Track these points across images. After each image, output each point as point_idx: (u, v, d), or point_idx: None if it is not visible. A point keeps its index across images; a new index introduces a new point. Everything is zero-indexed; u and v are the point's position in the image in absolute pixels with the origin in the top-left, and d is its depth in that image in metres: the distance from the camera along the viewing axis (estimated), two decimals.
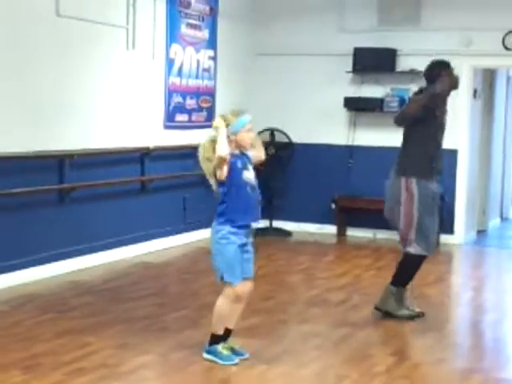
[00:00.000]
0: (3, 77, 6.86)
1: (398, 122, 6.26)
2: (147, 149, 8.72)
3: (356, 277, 8.02)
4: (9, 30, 6.92)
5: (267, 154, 10.49)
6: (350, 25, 10.32)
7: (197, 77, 9.69)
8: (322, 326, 6.19)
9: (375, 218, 10.20)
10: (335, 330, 6.04)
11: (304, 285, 7.64)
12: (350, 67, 10.22)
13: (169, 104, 9.20)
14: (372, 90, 10.19)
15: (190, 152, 9.31)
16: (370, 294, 7.21)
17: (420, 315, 6.36)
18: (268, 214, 10.42)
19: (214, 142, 4.96)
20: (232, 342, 5.31)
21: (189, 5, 9.40)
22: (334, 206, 10.32)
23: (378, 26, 10.23)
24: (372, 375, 5.08)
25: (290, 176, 10.62)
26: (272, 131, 10.51)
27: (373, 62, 10.13)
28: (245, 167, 5.08)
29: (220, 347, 5.21)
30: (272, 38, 10.73)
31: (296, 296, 7.25)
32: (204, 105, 9.84)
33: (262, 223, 10.52)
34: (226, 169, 4.94)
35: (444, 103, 6.26)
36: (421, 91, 6.28)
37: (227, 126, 4.98)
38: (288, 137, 10.49)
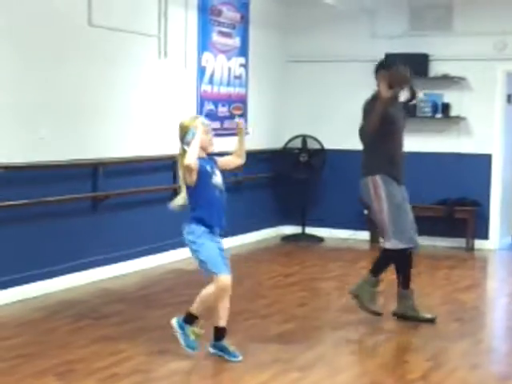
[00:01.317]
0: (37, 86, 6.92)
1: (368, 130, 6.34)
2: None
3: (390, 283, 7.92)
4: (43, 40, 6.98)
5: (299, 161, 10.56)
6: (382, 30, 10.28)
7: (228, 84, 9.70)
8: (356, 333, 6.15)
9: None
10: (370, 337, 6.00)
11: (337, 291, 7.59)
12: None
13: (201, 112, 9.22)
14: (405, 96, 10.09)
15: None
16: None
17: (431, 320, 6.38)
18: (300, 220, 10.41)
19: (186, 151, 5.20)
20: (227, 343, 5.38)
21: (220, 13, 9.43)
22: (366, 212, 10.25)
23: (410, 31, 10.18)
24: (407, 381, 5.03)
25: (323, 182, 10.59)
26: (304, 138, 10.50)
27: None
28: (213, 172, 5.33)
29: (190, 329, 5.36)
30: (303, 44, 10.72)
31: (329, 302, 7.21)
32: (236, 112, 9.85)
33: (295, 229, 10.53)
34: (194, 175, 5.17)
35: (394, 104, 6.27)
36: (374, 97, 6.30)
37: (186, 132, 5.24)
38: (320, 143, 10.46)
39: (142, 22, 8.21)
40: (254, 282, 7.64)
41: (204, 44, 9.19)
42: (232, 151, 5.62)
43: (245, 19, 9.91)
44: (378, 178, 6.30)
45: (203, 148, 5.30)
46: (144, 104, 8.27)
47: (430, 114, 10.04)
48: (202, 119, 5.45)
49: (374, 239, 10.30)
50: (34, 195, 6.84)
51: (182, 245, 8.75)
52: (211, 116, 9.39)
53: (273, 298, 7.15)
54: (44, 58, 7.01)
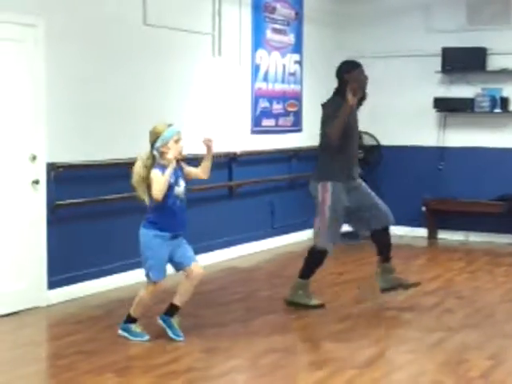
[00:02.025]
0: (92, 85, 6.99)
1: (334, 139, 6.35)
2: (234, 154, 8.75)
3: (448, 280, 7.85)
4: (99, 41, 7.05)
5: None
6: (438, 25, 10.15)
7: (283, 81, 9.68)
8: (414, 331, 6.07)
9: (467, 221, 10.03)
10: (428, 335, 5.91)
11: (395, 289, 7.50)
12: (438, 67, 10.04)
13: (255, 109, 9.21)
14: (462, 90, 9.99)
15: (278, 157, 9.39)
16: (464, 298, 7.07)
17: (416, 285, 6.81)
18: None
19: (146, 167, 5.47)
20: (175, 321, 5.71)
21: (274, 10, 9.41)
22: (424, 208, 10.15)
23: (467, 25, 10.02)
24: (468, 380, 4.95)
25: (379, 179, 10.48)
26: (360, 134, 10.40)
27: (462, 61, 9.93)
28: (176, 183, 5.53)
29: (134, 326, 5.64)
30: (357, 40, 10.63)
31: (387, 300, 7.12)
32: (291, 109, 9.82)
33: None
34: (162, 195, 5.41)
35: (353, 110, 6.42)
36: (334, 100, 6.48)
37: (157, 138, 5.45)
38: (376, 139, 10.37)
39: (196, 21, 8.23)
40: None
41: (258, 41, 9.18)
42: (199, 166, 5.83)
43: (299, 16, 9.87)
44: (329, 185, 6.48)
45: (173, 157, 5.47)
46: (199, 102, 8.30)
47: (488, 109, 9.86)
48: (174, 128, 5.56)
49: (431, 236, 10.19)
50: (92, 194, 6.92)
51: (236, 242, 8.87)
52: (266, 113, 9.39)
53: (329, 296, 7.10)
54: (101, 58, 7.08)
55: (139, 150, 7.39)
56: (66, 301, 6.70)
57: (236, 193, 8.85)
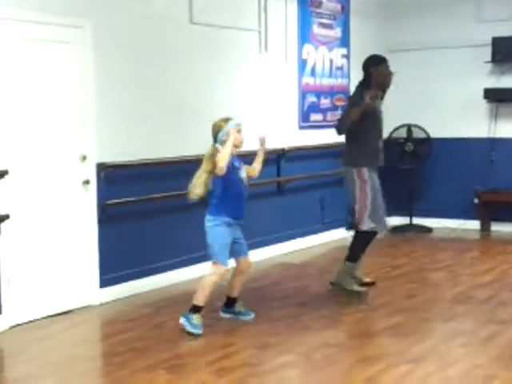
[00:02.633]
0: (140, 84, 7.04)
1: (340, 132, 6.75)
2: (283, 150, 8.74)
3: (502, 273, 7.73)
4: (146, 40, 7.09)
5: (405, 151, 10.41)
6: (488, 14, 9.99)
7: (330, 76, 9.64)
8: (468, 324, 6.00)
9: None
10: (482, 328, 5.83)
11: (448, 282, 7.43)
12: (488, 57, 9.89)
13: (303, 104, 9.19)
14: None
15: (326, 152, 9.34)
16: None
17: (370, 284, 6.99)
18: (408, 210, 10.24)
19: (210, 160, 5.76)
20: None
21: (320, 4, 9.37)
22: (476, 200, 10.01)
23: None
24: None
25: (429, 172, 10.39)
26: (409, 127, 10.32)
27: None
28: (240, 167, 5.90)
29: (195, 317, 5.75)
30: (405, 32, 10.54)
31: (440, 293, 7.06)
32: (339, 103, 9.77)
33: (402, 220, 10.37)
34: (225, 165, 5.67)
35: (374, 102, 6.64)
36: (360, 89, 6.69)
37: (220, 130, 5.78)
38: (426, 132, 10.26)
39: (242, 18, 8.24)
40: (360, 274, 7.56)
41: (304, 36, 9.14)
42: (252, 166, 6.13)
43: (345, 9, 9.81)
44: (364, 170, 6.69)
45: (235, 145, 5.79)
46: (246, 98, 8.30)
47: None
48: (235, 121, 5.87)
49: (484, 228, 10.05)
50: (141, 193, 6.97)
51: (286, 238, 8.86)
52: (313, 108, 9.36)
53: (381, 290, 7.05)
54: (148, 57, 7.12)
55: (187, 148, 7.49)
56: (117, 299, 6.77)
57: (285, 188, 8.84)
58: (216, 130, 5.83)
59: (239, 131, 5.86)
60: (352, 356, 5.33)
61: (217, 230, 5.81)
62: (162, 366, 5.06)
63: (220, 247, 5.82)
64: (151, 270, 7.14)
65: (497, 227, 10.05)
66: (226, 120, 5.86)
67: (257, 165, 6.12)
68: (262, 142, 6.12)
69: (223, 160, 5.65)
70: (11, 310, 5.99)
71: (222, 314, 6.14)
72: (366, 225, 6.75)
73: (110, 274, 6.74)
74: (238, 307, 6.16)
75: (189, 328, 5.73)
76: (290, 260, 8.48)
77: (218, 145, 5.77)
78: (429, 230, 10.17)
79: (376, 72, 6.70)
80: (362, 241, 6.90)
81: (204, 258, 7.66)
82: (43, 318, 6.19)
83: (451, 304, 6.60)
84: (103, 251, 6.67)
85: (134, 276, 6.97)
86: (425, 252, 8.89)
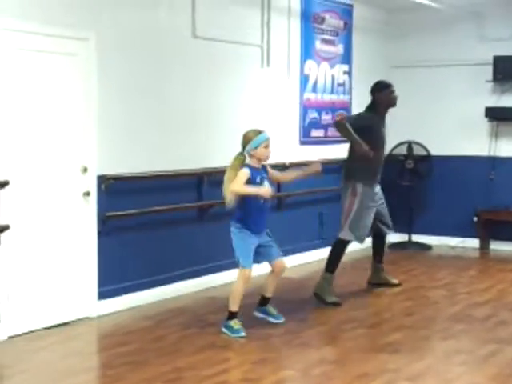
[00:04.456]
0: (142, 97, 7.05)
1: (337, 128, 7.31)
2: (283, 165, 8.73)
3: (501, 291, 7.73)
4: (149, 53, 7.11)
5: (405, 168, 10.41)
6: (489, 33, 10.03)
7: (332, 92, 9.66)
8: (466, 343, 5.99)
9: None
10: (481, 347, 5.82)
11: (446, 300, 7.42)
12: (490, 76, 9.92)
13: (304, 120, 9.20)
14: None
15: (327, 167, 9.31)
16: None
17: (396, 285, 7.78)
18: (407, 227, 10.24)
19: (232, 168, 6.02)
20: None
21: (323, 20, 9.40)
22: (476, 218, 10.02)
23: None
24: None
25: (429, 189, 10.40)
26: (410, 144, 10.33)
27: None
28: (262, 181, 6.08)
29: (233, 322, 6.01)
30: (407, 50, 10.58)
31: (438, 311, 7.05)
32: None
33: (401, 237, 10.37)
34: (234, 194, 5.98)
35: (379, 124, 7.33)
36: (369, 107, 7.42)
37: (249, 141, 6.03)
38: (426, 149, 10.27)
39: (244, 33, 8.26)
40: (360, 291, 7.56)
41: (307, 52, 9.17)
42: (285, 174, 6.84)
43: (348, 26, 9.85)
44: (358, 186, 7.19)
45: (260, 159, 6.10)
46: (248, 113, 8.31)
47: None
48: (265, 135, 6.15)
49: (483, 246, 10.05)
50: (141, 205, 6.97)
51: (285, 253, 8.83)
52: (315, 124, 9.37)
53: (380, 307, 7.05)
54: (150, 70, 7.14)
55: (189, 162, 7.50)
56: (116, 311, 6.75)
57: (285, 204, 8.84)
58: (246, 141, 6.07)
59: (267, 146, 6.11)
60: (350, 373, 5.32)
61: (240, 236, 6.08)
62: (160, 379, 5.05)
63: (242, 253, 6.07)
64: (150, 282, 7.13)
65: (496, 246, 10.05)
66: (258, 133, 6.12)
67: (292, 175, 6.64)
68: (316, 169, 6.48)
69: (235, 190, 5.94)
70: (9, 320, 5.97)
71: (256, 314, 6.42)
72: (344, 234, 7.24)
73: (108, 286, 6.73)
74: (271, 309, 6.43)
75: (231, 335, 5.96)
76: (288, 275, 8.45)
77: (245, 153, 6.04)
78: (428, 247, 10.17)
79: (380, 97, 7.37)
80: (337, 250, 7.30)
81: (204, 271, 7.70)
82: (41, 329, 6.18)
83: (450, 322, 6.59)
84: (102, 263, 6.67)
85: (133, 288, 6.96)
86: (424, 270, 8.88)
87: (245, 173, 5.97)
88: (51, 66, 6.21)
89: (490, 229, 10.04)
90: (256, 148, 6.05)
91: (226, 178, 6.02)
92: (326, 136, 9.54)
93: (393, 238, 10.53)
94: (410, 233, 10.28)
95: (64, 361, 5.52)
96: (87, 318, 6.55)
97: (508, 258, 9.55)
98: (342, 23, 9.74)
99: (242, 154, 6.07)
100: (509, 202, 9.88)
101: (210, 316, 6.66)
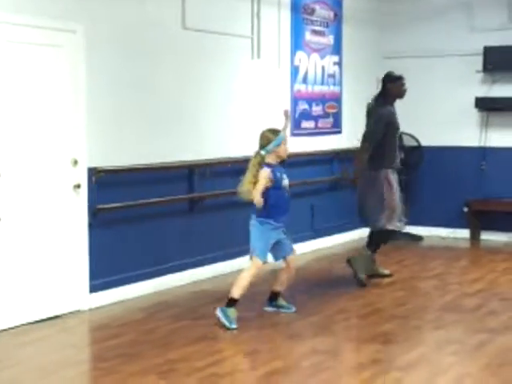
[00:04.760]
0: (132, 89, 7.03)
1: (371, 144, 7.51)
2: None
3: (492, 282, 7.75)
4: (138, 44, 7.09)
5: None
6: (480, 23, 10.04)
7: (322, 83, 9.65)
8: (457, 333, 6.01)
9: (511, 221, 9.90)
10: (472, 336, 5.84)
11: (437, 290, 7.44)
12: (480, 67, 9.93)
13: (295, 111, 9.20)
14: (504, 89, 9.87)
15: (318, 158, 9.36)
16: (508, 299, 6.99)
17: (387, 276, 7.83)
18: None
19: (254, 166, 6.27)
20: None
21: (313, 11, 9.39)
22: (466, 209, 10.04)
23: (509, 24, 9.90)
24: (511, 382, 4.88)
25: (420, 180, 10.41)
26: (400, 135, 10.31)
27: (504, 60, 9.83)
28: (281, 177, 6.35)
29: (231, 311, 6.09)
30: (397, 41, 10.57)
31: (430, 302, 7.07)
32: (330, 111, 9.79)
33: None
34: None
35: (395, 113, 7.72)
36: (379, 96, 7.74)
37: (270, 141, 6.28)
38: (417, 140, 10.28)
39: (234, 24, 8.24)
40: (351, 282, 7.57)
41: (297, 43, 9.16)
42: None
43: (338, 17, 9.84)
44: (389, 171, 7.56)
45: (279, 156, 6.34)
46: (238, 105, 8.31)
47: None
48: (282, 133, 6.41)
49: (474, 237, 10.08)
50: (132, 197, 6.96)
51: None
52: (305, 115, 9.37)
53: (372, 298, 7.06)
54: (140, 63, 7.11)
55: (179, 154, 7.49)
56: (108, 304, 6.74)
57: None
58: (265, 141, 6.31)
59: (285, 143, 6.39)
60: (342, 363, 5.34)
61: (261, 229, 6.28)
62: (153, 371, 5.05)
63: (261, 245, 6.27)
64: (142, 275, 7.12)
65: (486, 236, 10.08)
66: (275, 132, 6.38)
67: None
68: (286, 115, 6.58)
69: (256, 196, 6.20)
70: (0, 313, 5.97)
71: (266, 309, 6.53)
72: (386, 224, 7.55)
73: (100, 278, 6.72)
74: (280, 301, 6.56)
75: (224, 321, 6.02)
76: (280, 267, 8.45)
77: (263, 152, 6.26)
78: (419, 238, 10.19)
79: (392, 88, 7.71)
80: (381, 238, 7.72)
81: (195, 263, 7.69)
82: (32, 322, 6.16)
83: (441, 312, 6.61)
84: (93, 256, 6.66)
85: (124, 281, 6.95)
86: (415, 260, 8.90)
87: (266, 174, 6.21)
88: (39, 58, 6.19)
89: (480, 219, 10.06)
90: (278, 146, 6.31)
91: (246, 176, 6.24)
92: (316, 127, 9.54)
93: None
94: None
95: (56, 354, 5.52)
96: (79, 311, 6.55)
97: (498, 249, 9.58)
98: (332, 14, 9.73)
99: (259, 152, 6.28)
100: (499, 192, 9.91)
101: (202, 308, 6.66)
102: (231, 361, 5.29)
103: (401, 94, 7.80)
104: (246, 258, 8.27)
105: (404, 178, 10.14)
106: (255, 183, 6.20)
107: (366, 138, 7.59)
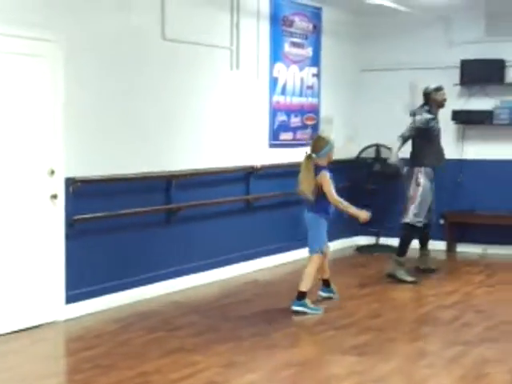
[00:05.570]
0: (110, 99, 7.02)
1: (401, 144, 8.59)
2: (252, 167, 8.75)
3: (467, 294, 7.80)
4: (117, 54, 7.08)
5: (373, 171, 10.43)
6: (457, 37, 10.13)
7: (301, 94, 9.69)
8: (433, 345, 6.04)
9: (487, 233, 9.97)
10: (447, 349, 5.87)
11: (413, 302, 7.49)
12: (457, 80, 10.01)
13: (273, 122, 9.22)
14: (480, 103, 9.95)
15: (296, 170, 9.36)
16: (483, 312, 7.02)
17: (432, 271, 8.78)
18: (374, 230, 10.29)
19: (309, 168, 6.94)
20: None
21: (292, 23, 9.43)
22: (442, 221, 10.09)
23: (486, 37, 9.99)
24: None
25: (397, 192, 10.43)
26: (378, 147, 10.39)
27: (480, 73, 9.91)
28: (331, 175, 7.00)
29: (307, 301, 6.85)
30: (375, 53, 10.63)
31: (405, 314, 7.10)
32: (309, 122, 9.82)
33: (369, 240, 10.43)
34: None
35: (434, 119, 8.56)
36: (422, 106, 8.63)
37: (326, 145, 7.01)
38: None
39: (214, 35, 8.26)
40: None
41: (276, 55, 9.19)
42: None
43: (317, 29, 9.88)
44: (422, 169, 8.41)
45: (329, 159, 7.07)
46: (216, 116, 8.32)
47: (506, 122, 9.82)
48: (333, 140, 7.19)
49: (450, 249, 10.13)
50: (109, 208, 6.94)
51: (255, 256, 8.86)
52: (284, 127, 9.40)
53: (348, 309, 7.08)
54: (119, 73, 7.10)
55: (158, 164, 7.48)
56: (84, 315, 6.71)
57: (254, 206, 8.85)
58: (322, 145, 7.00)
59: (333, 148, 7.10)
60: (317, 375, 5.34)
61: (320, 225, 6.96)
62: (127, 383, 5.02)
63: (320, 240, 6.98)
64: (118, 286, 7.10)
65: (463, 248, 10.13)
66: (328, 138, 7.15)
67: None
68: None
69: (334, 196, 6.92)
70: None
71: (322, 294, 7.30)
72: (411, 220, 8.39)
73: (76, 289, 6.69)
74: (333, 287, 7.37)
75: (308, 311, 6.78)
76: (258, 278, 8.47)
77: (315, 155, 6.92)
78: (395, 250, 10.19)
79: (436, 98, 8.53)
80: (407, 234, 8.45)
81: (172, 274, 7.67)
82: (6, 333, 6.12)
83: (417, 324, 6.64)
84: (70, 267, 6.63)
85: (100, 292, 6.92)
86: None
87: (329, 176, 6.93)
88: (18, 67, 6.17)
89: (456, 231, 10.12)
90: (331, 150, 7.01)
91: (302, 177, 6.94)
92: (294, 139, 9.56)
93: (360, 240, 10.62)
94: (377, 235, 10.34)
95: (30, 365, 5.48)
96: (54, 322, 6.51)
97: (474, 261, 9.63)
98: (311, 26, 9.77)
99: (311, 156, 6.93)
100: (475, 204, 9.97)
101: (177, 319, 6.65)
102: (206, 373, 5.27)
103: (443, 103, 8.60)
104: (225, 268, 8.32)
105: (380, 188, 10.23)
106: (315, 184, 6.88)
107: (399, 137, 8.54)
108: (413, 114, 8.59)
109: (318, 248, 6.99)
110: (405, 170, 8.63)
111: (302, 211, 8.34)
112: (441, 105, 8.62)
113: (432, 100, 8.52)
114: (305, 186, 6.92)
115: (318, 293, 7.29)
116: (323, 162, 6.98)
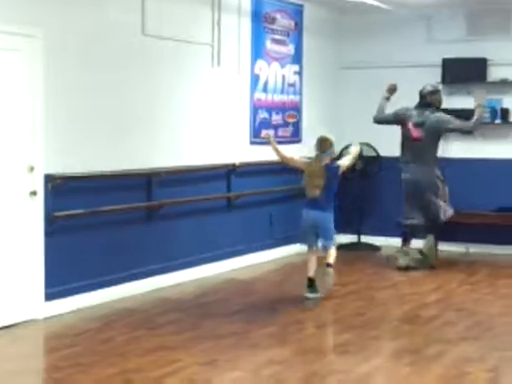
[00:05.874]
0: (90, 95, 6.96)
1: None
2: (233, 165, 8.71)
3: (448, 292, 7.81)
4: (97, 50, 7.02)
5: (354, 169, 10.46)
6: (438, 35, 10.14)
7: (282, 92, 9.66)
8: (414, 343, 6.03)
9: (468, 232, 9.99)
10: (428, 347, 5.86)
11: (395, 300, 7.48)
12: (438, 78, 10.02)
13: (254, 120, 9.19)
14: (462, 101, 9.95)
15: (277, 168, 9.34)
16: (464, 310, 7.03)
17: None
18: (356, 228, 10.29)
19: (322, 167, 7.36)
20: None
21: (274, 20, 9.39)
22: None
23: (467, 36, 10.03)
24: None
25: (378, 190, 10.46)
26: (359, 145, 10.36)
27: (462, 72, 9.93)
28: None
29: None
30: (357, 51, 10.63)
31: (387, 312, 7.09)
32: (290, 120, 9.80)
33: (351, 238, 10.42)
34: None
35: None
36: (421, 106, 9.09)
37: (332, 145, 7.39)
38: (376, 150, 10.33)
39: (195, 31, 8.21)
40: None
41: (257, 52, 9.16)
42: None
43: (299, 26, 9.86)
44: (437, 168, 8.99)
45: (332, 158, 7.47)
46: (197, 113, 8.27)
47: (488, 120, 9.84)
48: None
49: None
50: (90, 205, 6.88)
51: (236, 254, 8.83)
52: (265, 124, 9.36)
53: (330, 308, 7.07)
54: (99, 68, 7.04)
55: (138, 161, 7.43)
56: (64, 313, 6.65)
57: (234, 204, 8.81)
58: (329, 144, 7.36)
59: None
60: (299, 373, 5.31)
61: (332, 219, 7.41)
62: (109, 381, 4.98)
63: (334, 233, 7.49)
64: (98, 283, 7.04)
65: (444, 247, 10.14)
66: (333, 139, 7.46)
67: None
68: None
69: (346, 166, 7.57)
70: None
71: (309, 295, 7.33)
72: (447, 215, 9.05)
73: (55, 287, 6.62)
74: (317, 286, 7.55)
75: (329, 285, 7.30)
76: (238, 276, 8.44)
77: (323, 155, 7.32)
78: (377, 248, 10.23)
79: (436, 98, 9.00)
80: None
81: (152, 271, 7.62)
82: None
83: (398, 322, 6.63)
84: (49, 264, 6.56)
85: (80, 290, 6.85)
86: (372, 270, 8.93)
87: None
88: None
89: (438, 230, 10.10)
90: (334, 151, 7.49)
91: (317, 181, 7.26)
92: (276, 136, 9.50)
93: (342, 239, 10.59)
94: (359, 234, 10.33)
95: (9, 363, 5.42)
96: (33, 319, 6.44)
97: (455, 259, 9.65)
98: (292, 23, 9.74)
99: (321, 155, 7.33)
100: (457, 202, 9.96)
101: (159, 317, 6.60)
102: (188, 371, 5.22)
103: (441, 103, 9.05)
104: (206, 266, 8.28)
105: (362, 186, 10.23)
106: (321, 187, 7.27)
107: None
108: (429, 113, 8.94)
109: (335, 240, 7.51)
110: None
111: (280, 209, 8.61)
112: (439, 106, 9.02)
113: (433, 100, 8.94)
114: (317, 184, 7.27)
115: (305, 294, 7.27)
116: (328, 160, 7.39)
